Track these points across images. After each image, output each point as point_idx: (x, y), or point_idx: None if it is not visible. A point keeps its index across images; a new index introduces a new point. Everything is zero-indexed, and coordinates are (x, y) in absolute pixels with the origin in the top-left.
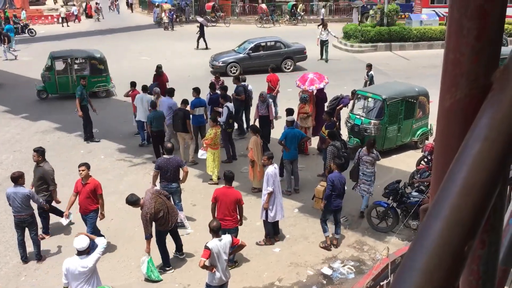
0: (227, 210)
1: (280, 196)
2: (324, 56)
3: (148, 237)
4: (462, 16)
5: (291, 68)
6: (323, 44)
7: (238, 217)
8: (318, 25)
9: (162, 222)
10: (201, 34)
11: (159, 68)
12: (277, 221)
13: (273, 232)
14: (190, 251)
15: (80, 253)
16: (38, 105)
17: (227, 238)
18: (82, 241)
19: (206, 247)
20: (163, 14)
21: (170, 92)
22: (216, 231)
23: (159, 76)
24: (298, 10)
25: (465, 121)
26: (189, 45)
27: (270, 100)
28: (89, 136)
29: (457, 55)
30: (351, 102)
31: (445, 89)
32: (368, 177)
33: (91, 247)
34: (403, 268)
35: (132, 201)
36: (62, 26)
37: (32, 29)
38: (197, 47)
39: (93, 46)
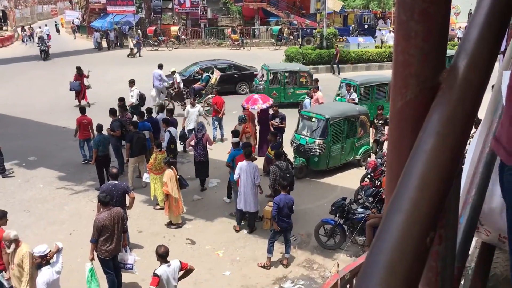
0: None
1: (250, 191)
2: None
3: (93, 241)
4: (409, 19)
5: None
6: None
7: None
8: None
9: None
10: None
11: (79, 69)
12: (253, 213)
13: (240, 219)
14: (137, 280)
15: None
16: None
17: (175, 263)
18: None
19: (155, 274)
20: (130, 41)
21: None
22: (164, 257)
23: (79, 75)
24: (284, 34)
25: (416, 120)
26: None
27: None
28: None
29: (406, 57)
30: (297, 122)
31: (396, 90)
32: None
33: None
34: (367, 264)
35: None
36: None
37: None
38: None
39: (31, 70)
